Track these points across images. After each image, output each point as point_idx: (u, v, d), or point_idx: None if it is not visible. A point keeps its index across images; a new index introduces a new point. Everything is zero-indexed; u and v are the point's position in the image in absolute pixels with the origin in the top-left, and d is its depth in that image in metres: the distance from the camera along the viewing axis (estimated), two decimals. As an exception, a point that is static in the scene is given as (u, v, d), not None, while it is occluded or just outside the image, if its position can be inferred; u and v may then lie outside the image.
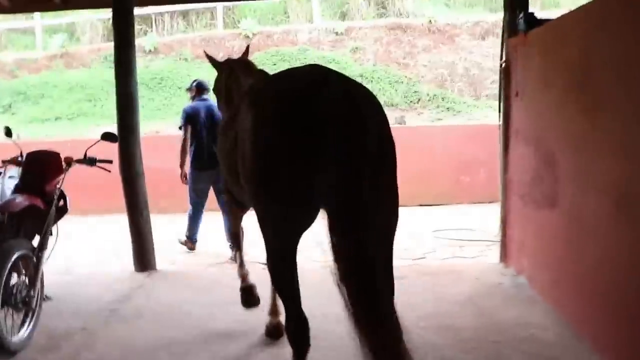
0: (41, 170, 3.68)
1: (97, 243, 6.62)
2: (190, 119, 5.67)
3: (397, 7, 12.13)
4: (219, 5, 11.89)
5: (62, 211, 3.83)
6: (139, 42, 11.76)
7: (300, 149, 2.14)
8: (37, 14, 12.46)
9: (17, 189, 3.66)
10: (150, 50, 11.39)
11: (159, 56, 11.37)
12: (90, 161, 3.89)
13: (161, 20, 12.19)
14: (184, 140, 5.70)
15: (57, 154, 3.83)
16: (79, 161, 3.86)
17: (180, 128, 5.87)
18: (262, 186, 2.30)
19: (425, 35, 11.34)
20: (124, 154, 4.55)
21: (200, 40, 11.37)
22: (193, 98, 5.92)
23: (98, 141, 3.93)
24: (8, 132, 4.01)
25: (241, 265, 3.60)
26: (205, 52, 4.12)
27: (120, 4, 4.72)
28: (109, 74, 11.76)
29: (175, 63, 11.20)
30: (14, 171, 4.09)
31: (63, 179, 3.80)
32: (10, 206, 3.32)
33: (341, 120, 2.09)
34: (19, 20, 12.95)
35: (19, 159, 3.84)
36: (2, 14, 11.33)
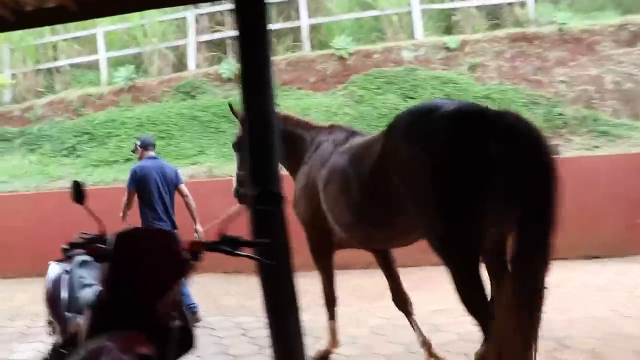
0: (149, 271, 1.84)
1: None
2: (140, 180, 5.12)
3: (514, 15, 10.16)
4: (305, 24, 10.29)
5: (184, 346, 1.99)
6: (215, 69, 10.32)
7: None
8: (101, 45, 11.24)
9: (100, 310, 1.85)
10: (229, 79, 9.81)
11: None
12: (231, 243, 2.03)
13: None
14: (128, 201, 5.21)
15: (172, 237, 2.00)
16: (213, 247, 2.01)
17: (127, 190, 5.27)
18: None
19: (558, 46, 9.29)
20: (263, 222, 2.67)
21: (286, 64, 9.72)
22: (141, 158, 5.42)
23: (249, 204, 2.08)
24: (78, 194, 2.21)
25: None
26: (229, 104, 4.07)
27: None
28: (183, 108, 10.43)
29: (259, 91, 9.56)
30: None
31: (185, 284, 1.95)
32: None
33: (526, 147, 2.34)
34: (82, 56, 11.78)
35: (100, 243, 2.03)
36: (8, 32, 10.14)
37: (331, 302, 3.66)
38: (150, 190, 5.07)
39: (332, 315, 3.65)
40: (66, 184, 9.18)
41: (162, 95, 10.13)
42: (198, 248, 1.95)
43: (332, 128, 3.77)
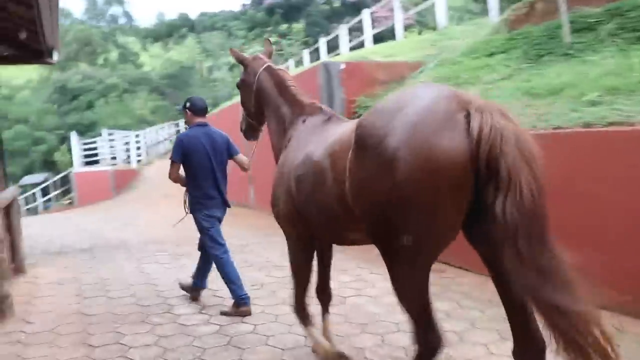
0: None
1: None
2: (186, 151, 4.58)
3: None
4: None
5: None
6: None
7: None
8: None
9: None
10: None
11: None
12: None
13: None
14: (177, 179, 4.68)
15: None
16: None
17: (171, 161, 4.67)
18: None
19: None
20: None
21: None
22: (188, 123, 4.84)
23: None
24: None
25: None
26: (230, 49, 3.83)
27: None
28: None
29: None
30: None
31: None
32: None
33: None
34: None
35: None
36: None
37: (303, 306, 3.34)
38: (198, 163, 4.55)
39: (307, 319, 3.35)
40: None
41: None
42: None
43: (311, 107, 3.22)
